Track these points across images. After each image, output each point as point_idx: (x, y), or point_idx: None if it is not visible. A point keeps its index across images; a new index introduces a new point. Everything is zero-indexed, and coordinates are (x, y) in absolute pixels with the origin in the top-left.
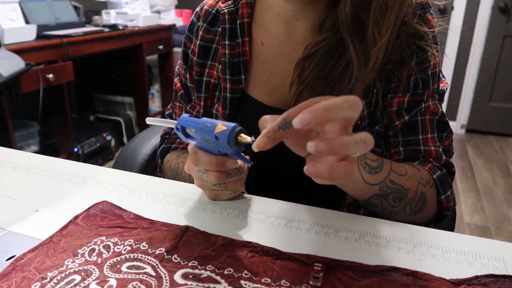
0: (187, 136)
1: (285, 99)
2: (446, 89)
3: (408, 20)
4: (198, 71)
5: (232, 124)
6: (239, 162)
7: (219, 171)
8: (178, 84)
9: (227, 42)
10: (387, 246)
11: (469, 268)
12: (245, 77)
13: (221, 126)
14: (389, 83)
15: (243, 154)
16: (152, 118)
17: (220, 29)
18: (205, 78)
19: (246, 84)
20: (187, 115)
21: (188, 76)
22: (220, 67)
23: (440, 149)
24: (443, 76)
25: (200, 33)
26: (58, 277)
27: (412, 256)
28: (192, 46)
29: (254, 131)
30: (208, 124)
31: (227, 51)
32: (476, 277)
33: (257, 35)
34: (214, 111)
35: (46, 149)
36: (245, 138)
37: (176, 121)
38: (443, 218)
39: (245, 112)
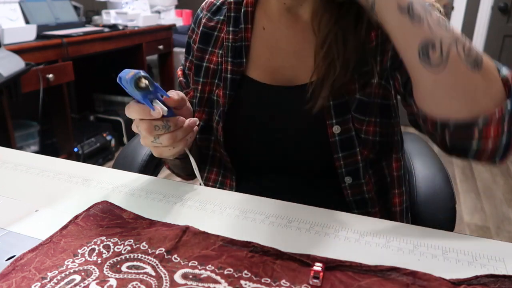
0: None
1: (286, 78)
2: None
3: None
4: (198, 56)
5: (138, 71)
6: (159, 111)
7: (145, 122)
8: (179, 73)
9: (230, 29)
10: (387, 246)
11: (469, 268)
12: (245, 60)
13: (131, 72)
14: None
15: (158, 102)
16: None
17: (222, 18)
18: (205, 64)
19: (246, 68)
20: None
21: (187, 64)
22: (220, 52)
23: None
24: None
25: (203, 21)
26: (58, 277)
27: (412, 256)
28: (194, 36)
29: (254, 108)
30: (127, 71)
31: (230, 37)
32: (476, 277)
33: (260, 21)
34: (215, 97)
35: (46, 149)
36: (142, 82)
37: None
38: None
39: (245, 92)
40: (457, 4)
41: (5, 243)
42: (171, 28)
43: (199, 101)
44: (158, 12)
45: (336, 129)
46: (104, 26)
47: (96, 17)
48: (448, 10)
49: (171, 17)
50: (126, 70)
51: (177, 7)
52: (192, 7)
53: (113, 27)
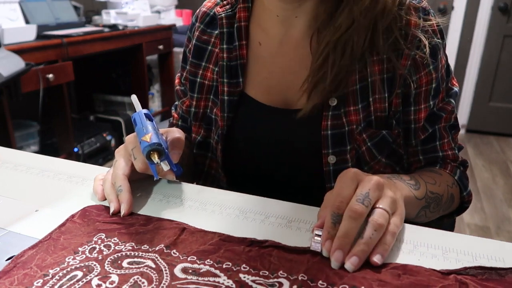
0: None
1: (283, 98)
2: (457, 90)
3: (415, 24)
4: (192, 71)
5: (155, 142)
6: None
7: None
8: (177, 81)
9: (225, 46)
10: None
11: None
12: (242, 79)
13: (148, 137)
14: (408, 88)
15: (154, 168)
16: (136, 98)
17: (216, 32)
18: (198, 79)
19: (244, 85)
20: (145, 111)
21: (184, 74)
22: (216, 69)
23: (456, 151)
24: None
25: (196, 33)
26: (60, 274)
27: (412, 256)
28: (190, 46)
29: (254, 131)
30: (144, 129)
31: (225, 55)
32: (465, 268)
33: (255, 36)
34: (213, 116)
35: (46, 149)
36: (154, 157)
37: (143, 110)
38: (465, 209)
39: (244, 113)
40: (457, 4)
41: (5, 243)
42: (171, 28)
43: (195, 115)
44: (158, 12)
45: (332, 159)
46: (104, 26)
47: (96, 17)
48: (447, 10)
49: (171, 17)
50: (143, 121)
51: (177, 7)
52: (192, 7)
53: (113, 27)
